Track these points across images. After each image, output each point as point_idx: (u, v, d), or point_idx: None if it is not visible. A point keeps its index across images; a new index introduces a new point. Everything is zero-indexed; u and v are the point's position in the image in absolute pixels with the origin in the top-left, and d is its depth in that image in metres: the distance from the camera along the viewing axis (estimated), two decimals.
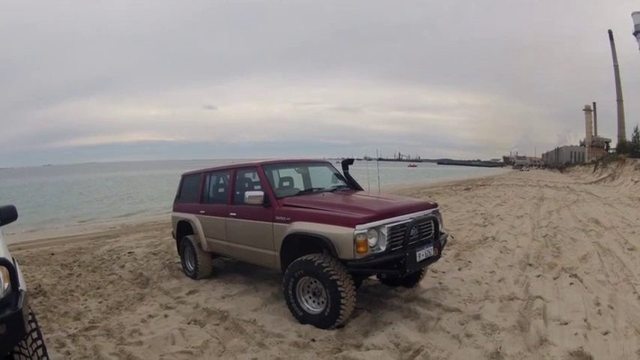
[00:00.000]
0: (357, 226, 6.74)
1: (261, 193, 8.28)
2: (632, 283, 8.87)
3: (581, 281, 9.14)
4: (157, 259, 12.69)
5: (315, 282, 7.23)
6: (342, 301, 6.87)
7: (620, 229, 15.24)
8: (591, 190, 38.06)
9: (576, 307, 7.62)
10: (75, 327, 7.61)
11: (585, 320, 6.99)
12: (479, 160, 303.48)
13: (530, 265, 10.67)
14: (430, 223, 7.91)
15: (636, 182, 39.01)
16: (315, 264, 7.04)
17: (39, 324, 4.99)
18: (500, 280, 9.41)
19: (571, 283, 9.04)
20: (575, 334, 6.49)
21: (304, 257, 7.31)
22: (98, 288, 9.96)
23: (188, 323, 7.65)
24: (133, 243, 16.02)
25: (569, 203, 25.82)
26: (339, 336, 6.79)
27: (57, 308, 8.60)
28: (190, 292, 9.45)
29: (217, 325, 7.53)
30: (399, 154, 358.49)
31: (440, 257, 8.28)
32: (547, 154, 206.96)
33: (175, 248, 11.80)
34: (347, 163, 9.98)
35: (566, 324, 6.93)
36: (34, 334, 4.66)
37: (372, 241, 6.87)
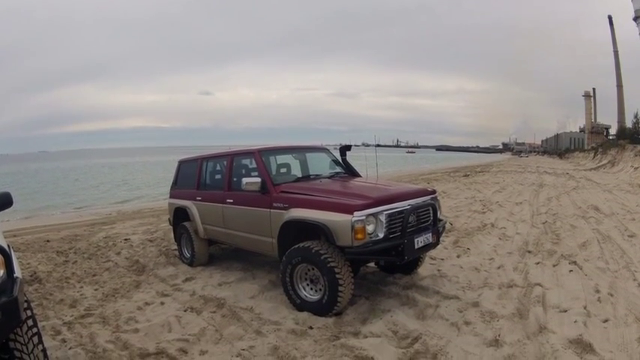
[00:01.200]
0: (355, 213, 6.68)
1: (259, 180, 8.21)
2: (631, 270, 8.84)
3: (581, 268, 9.10)
4: (153, 246, 12.63)
5: (313, 269, 7.17)
6: (340, 288, 6.82)
7: (619, 216, 15.22)
8: (591, 177, 38.03)
9: (576, 295, 7.58)
10: (71, 314, 7.58)
11: (585, 308, 6.96)
12: (477, 147, 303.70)
13: (529, 252, 10.63)
14: (428, 209, 7.85)
15: (636, 169, 38.99)
16: (313, 251, 6.98)
17: (34, 311, 4.95)
18: (499, 268, 9.38)
19: (570, 271, 9.00)
20: (575, 321, 6.44)
21: (302, 244, 7.25)
22: (94, 275, 9.92)
23: (185, 310, 7.61)
24: (129, 230, 15.96)
25: (569, 190, 25.80)
26: (336, 323, 6.75)
27: (52, 295, 8.56)
28: (187, 280, 9.41)
29: (214, 312, 7.49)
30: (397, 141, 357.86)
31: (438, 244, 8.24)
32: (546, 140, 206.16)
33: (172, 235, 11.73)
34: (345, 149, 9.90)
35: (565, 311, 6.90)
36: (30, 322, 4.61)
37: (369, 228, 6.81)
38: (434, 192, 8.43)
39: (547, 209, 17.66)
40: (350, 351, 5.87)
